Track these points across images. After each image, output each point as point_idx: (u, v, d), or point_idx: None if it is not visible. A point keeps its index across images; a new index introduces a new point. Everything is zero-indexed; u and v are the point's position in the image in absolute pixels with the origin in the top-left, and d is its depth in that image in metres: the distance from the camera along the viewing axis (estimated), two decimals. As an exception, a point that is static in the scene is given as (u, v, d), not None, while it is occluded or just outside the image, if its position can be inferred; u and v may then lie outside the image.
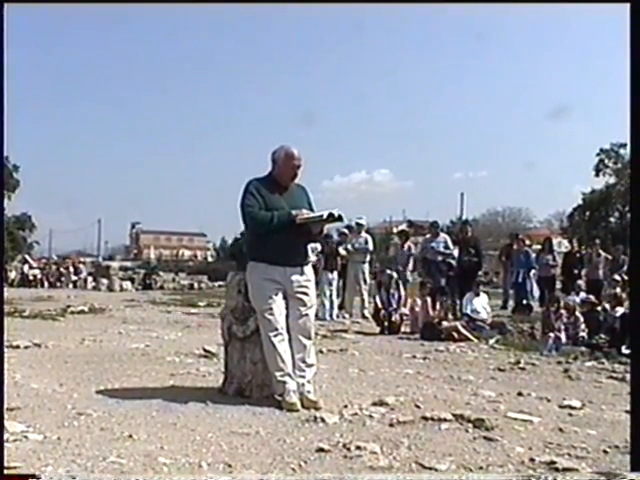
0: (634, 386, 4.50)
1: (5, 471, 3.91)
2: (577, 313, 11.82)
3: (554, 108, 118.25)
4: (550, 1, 12.90)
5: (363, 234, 16.24)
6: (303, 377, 5.90)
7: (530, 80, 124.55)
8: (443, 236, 16.10)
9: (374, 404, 5.94)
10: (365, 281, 15.84)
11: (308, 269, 6.17)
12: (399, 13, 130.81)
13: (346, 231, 16.41)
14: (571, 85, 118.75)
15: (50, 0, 16.56)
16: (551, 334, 11.03)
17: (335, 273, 15.70)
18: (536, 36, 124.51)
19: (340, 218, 6.10)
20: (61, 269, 34.47)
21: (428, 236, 16.44)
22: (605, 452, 4.72)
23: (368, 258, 16.26)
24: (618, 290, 13.60)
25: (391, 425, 5.24)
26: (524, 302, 16.35)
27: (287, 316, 5.96)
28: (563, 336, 11.26)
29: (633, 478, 4.10)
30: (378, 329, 12.64)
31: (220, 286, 29.26)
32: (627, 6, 4.65)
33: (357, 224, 16.34)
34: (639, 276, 4.72)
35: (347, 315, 15.48)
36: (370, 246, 16.10)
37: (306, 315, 6.03)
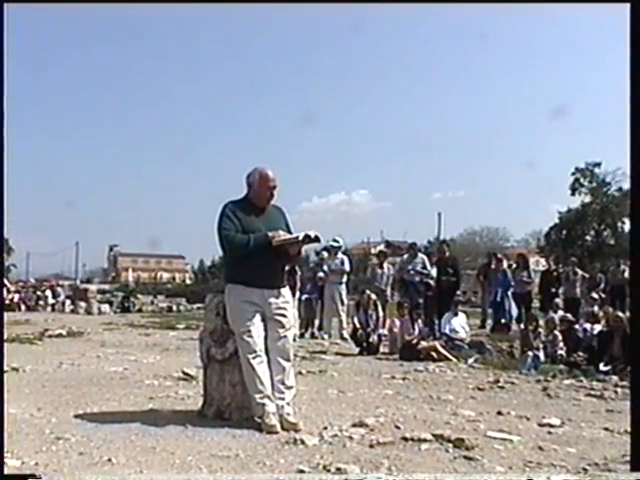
0: (634, 386, 4.50)
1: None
2: (555, 331, 11.86)
3: (531, 129, 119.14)
4: (549, 1, 12.97)
5: (339, 255, 16.28)
6: (282, 399, 5.87)
7: (513, 98, 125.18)
8: (421, 257, 16.16)
9: (354, 425, 5.93)
10: (342, 302, 15.87)
11: (286, 291, 6.17)
12: (380, 31, 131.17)
13: (324, 253, 16.45)
14: (558, 104, 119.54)
15: (50, 0, 16.57)
16: (530, 352, 11.05)
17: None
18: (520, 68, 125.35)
19: (317, 239, 6.12)
20: (39, 292, 34.19)
21: (406, 257, 16.49)
22: (585, 470, 4.73)
23: (345, 279, 16.30)
24: (595, 308, 13.69)
25: (371, 446, 5.23)
26: (502, 321, 16.39)
27: (266, 338, 5.95)
28: (542, 354, 11.28)
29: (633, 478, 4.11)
30: (357, 350, 12.62)
31: (199, 308, 29.12)
32: (627, 7, 4.71)
33: (333, 245, 16.37)
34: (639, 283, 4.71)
35: (326, 336, 15.47)
36: (347, 267, 16.13)
37: (284, 337, 6.02)
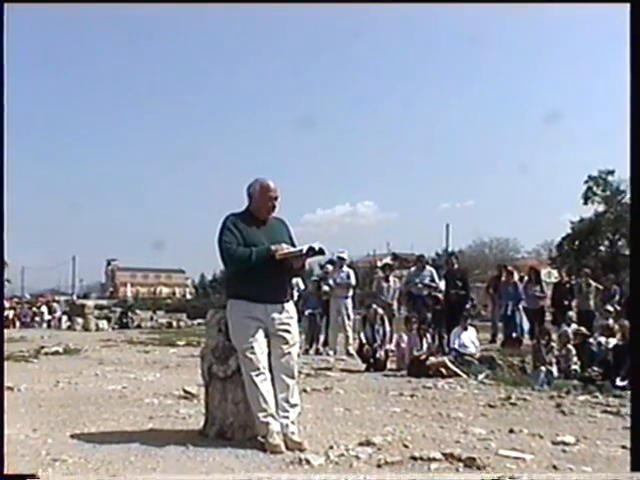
0: (634, 388, 4.49)
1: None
2: (569, 345, 11.83)
3: (542, 136, 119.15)
4: (547, 1, 13.09)
5: (345, 268, 16.25)
6: (287, 417, 5.86)
7: (521, 106, 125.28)
8: (429, 269, 16.14)
9: (361, 444, 5.91)
10: (349, 317, 15.84)
11: (290, 306, 6.16)
12: (378, 40, 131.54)
13: (329, 266, 16.44)
14: (560, 111, 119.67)
15: (50, 0, 16.74)
16: (542, 368, 11.01)
17: None
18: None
19: (321, 252, 6.10)
20: (34, 308, 34.29)
21: (413, 269, 16.49)
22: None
23: (351, 293, 16.26)
24: (610, 321, 13.64)
25: (379, 466, 5.22)
26: (513, 335, 16.34)
27: (269, 355, 5.94)
28: (555, 369, 11.24)
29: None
30: (363, 366, 12.59)
31: (199, 324, 29.17)
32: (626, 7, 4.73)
33: (339, 258, 16.37)
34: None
35: (331, 352, 15.45)
36: (352, 280, 16.11)
37: (289, 353, 6.01)
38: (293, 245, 6.13)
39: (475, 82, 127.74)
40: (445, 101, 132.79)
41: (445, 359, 11.95)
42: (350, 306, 16.07)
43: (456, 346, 13.06)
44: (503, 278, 17.59)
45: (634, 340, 4.47)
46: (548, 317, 18.50)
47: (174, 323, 33.12)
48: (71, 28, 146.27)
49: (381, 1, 17.38)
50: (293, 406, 5.99)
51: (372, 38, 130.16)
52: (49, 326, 31.24)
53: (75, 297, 64.13)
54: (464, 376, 11.23)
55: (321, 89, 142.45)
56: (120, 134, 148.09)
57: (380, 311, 13.57)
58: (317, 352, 15.84)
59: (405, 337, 12.96)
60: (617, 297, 17.84)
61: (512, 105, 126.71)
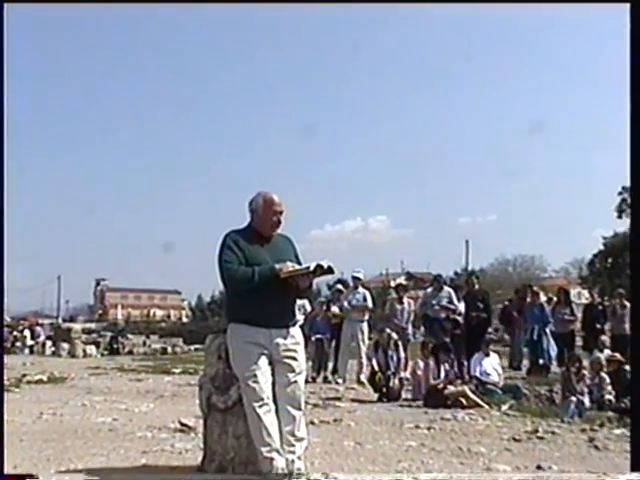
0: (634, 387, 4.50)
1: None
2: (602, 373, 11.80)
3: (572, 145, 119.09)
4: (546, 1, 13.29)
5: (361, 289, 16.23)
6: (293, 452, 5.85)
7: (549, 111, 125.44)
8: (447, 290, 16.11)
9: (373, 482, 5.90)
10: (364, 342, 15.76)
11: (296, 330, 6.15)
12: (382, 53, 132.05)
13: (340, 286, 16.42)
14: (592, 121, 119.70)
15: (51, 0, 17.07)
16: (573, 398, 11.00)
17: None
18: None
19: (330, 270, 6.06)
20: (15, 332, 34.25)
21: (430, 290, 16.46)
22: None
23: (367, 316, 16.22)
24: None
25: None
26: (540, 362, 16.32)
27: (273, 384, 5.93)
28: (587, 400, 11.23)
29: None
30: (376, 396, 12.57)
31: (197, 350, 29.17)
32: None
33: (354, 277, 16.36)
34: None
35: (340, 380, 15.40)
36: (369, 303, 16.09)
37: (295, 382, 6.00)
38: (299, 263, 6.12)
39: (503, 86, 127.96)
40: (466, 108, 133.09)
41: (465, 388, 11.92)
42: (366, 330, 16.02)
43: (477, 374, 13.05)
44: (528, 299, 17.57)
45: (634, 339, 4.52)
46: (579, 342, 18.45)
47: (169, 349, 33.06)
48: (78, 34, 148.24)
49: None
50: (299, 440, 5.96)
51: (381, 43, 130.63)
52: (32, 352, 31.20)
53: (60, 320, 64.33)
54: (486, 407, 11.20)
55: (328, 94, 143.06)
56: (111, 149, 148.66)
57: (394, 336, 13.57)
58: (325, 380, 15.80)
59: (421, 364, 12.94)
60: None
61: (538, 110, 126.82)
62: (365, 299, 16.02)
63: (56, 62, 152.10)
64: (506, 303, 21.26)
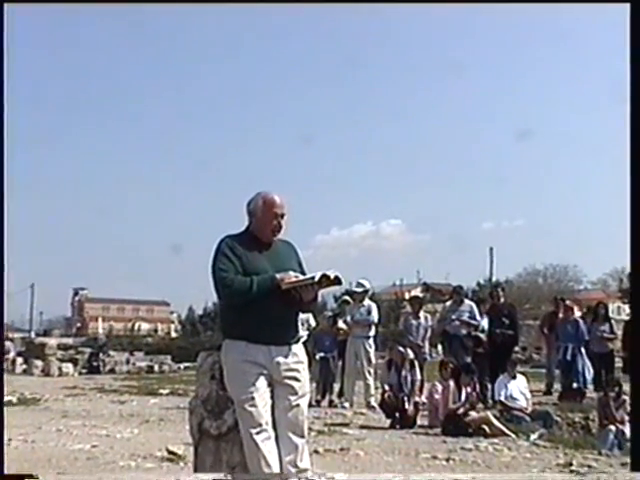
0: (634, 387, 4.54)
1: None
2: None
3: (611, 139, 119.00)
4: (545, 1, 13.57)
5: (366, 301, 16.15)
6: (294, 486, 5.86)
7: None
8: (468, 303, 16.13)
9: (385, 520, 5.91)
10: (370, 361, 15.72)
11: (298, 348, 6.14)
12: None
13: (347, 298, 16.42)
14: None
15: (51, 0, 17.39)
16: (611, 426, 10.99)
17: None
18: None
19: (337, 281, 6.04)
20: (-18, 348, 34.30)
21: (449, 303, 16.48)
22: None
23: (372, 332, 16.09)
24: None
25: None
26: (574, 385, 16.29)
27: (273, 408, 5.93)
28: (627, 429, 11.21)
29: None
30: (388, 422, 12.57)
31: (187, 369, 29.17)
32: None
33: (356, 291, 16.30)
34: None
35: (347, 404, 15.40)
36: (374, 317, 16.00)
37: (297, 406, 5.99)
38: (303, 273, 6.11)
39: (524, 85, 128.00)
40: (490, 105, 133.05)
41: (489, 414, 11.93)
42: (371, 348, 15.96)
43: (502, 398, 13.05)
44: (561, 314, 17.56)
45: (634, 340, 4.61)
46: (618, 363, 18.40)
47: (156, 367, 33.03)
48: (79, 34, 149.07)
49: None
50: (302, 471, 5.96)
51: (393, 42, 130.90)
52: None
53: (33, 334, 64.42)
54: (512, 435, 11.19)
55: (337, 90, 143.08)
56: (100, 147, 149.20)
57: (409, 354, 13.56)
58: (331, 404, 15.78)
59: (439, 386, 12.92)
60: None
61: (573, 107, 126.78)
62: (370, 312, 15.92)
63: (56, 62, 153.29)
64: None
